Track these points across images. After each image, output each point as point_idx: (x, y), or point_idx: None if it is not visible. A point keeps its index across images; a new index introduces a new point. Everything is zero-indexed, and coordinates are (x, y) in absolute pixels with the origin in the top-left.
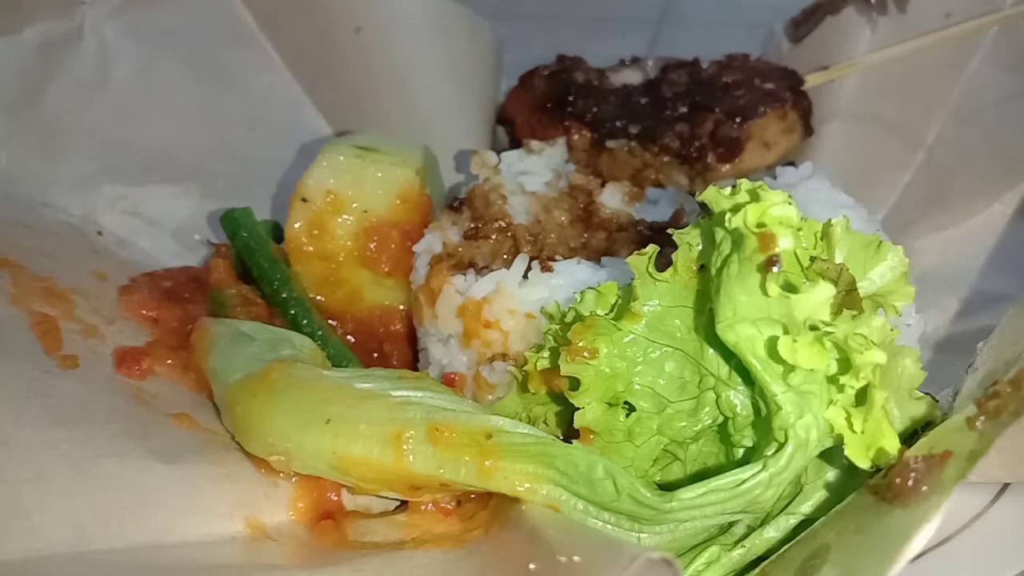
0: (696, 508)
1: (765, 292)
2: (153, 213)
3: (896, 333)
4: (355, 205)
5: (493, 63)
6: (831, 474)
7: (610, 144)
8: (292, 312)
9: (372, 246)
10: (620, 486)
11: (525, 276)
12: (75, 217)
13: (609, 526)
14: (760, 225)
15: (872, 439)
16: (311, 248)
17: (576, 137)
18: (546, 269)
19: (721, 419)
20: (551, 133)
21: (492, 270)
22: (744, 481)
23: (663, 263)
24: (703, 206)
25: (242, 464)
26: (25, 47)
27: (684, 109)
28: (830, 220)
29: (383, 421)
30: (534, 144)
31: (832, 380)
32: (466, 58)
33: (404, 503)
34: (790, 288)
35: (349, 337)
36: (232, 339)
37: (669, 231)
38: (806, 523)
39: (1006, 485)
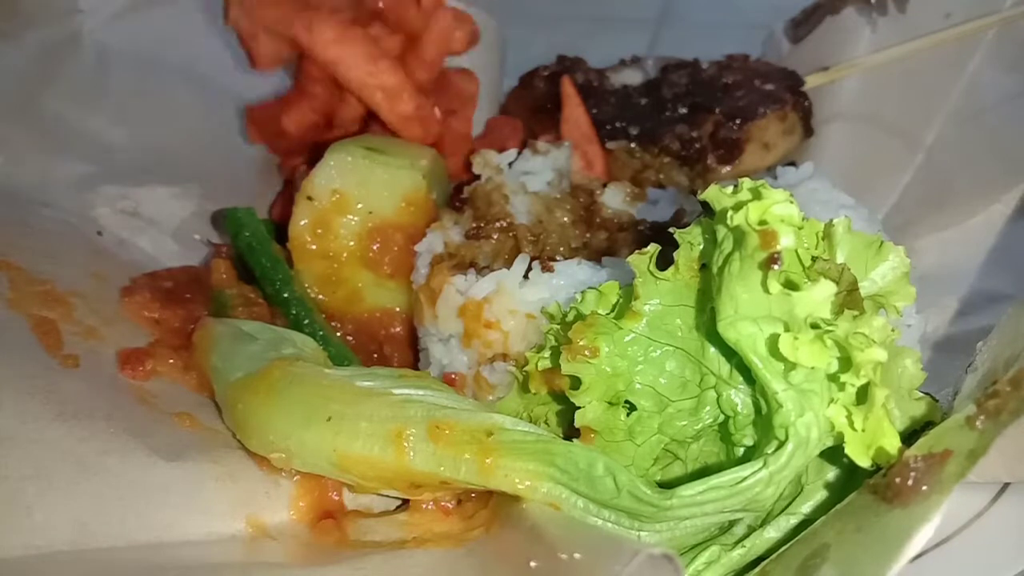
0: (696, 505)
1: (766, 290)
2: (153, 213)
3: (897, 334)
4: (360, 206)
5: (497, 62)
6: (831, 474)
7: (610, 145)
8: (294, 312)
9: (375, 248)
10: (620, 483)
11: (526, 276)
12: (75, 217)
13: (609, 524)
14: (762, 223)
15: (873, 437)
16: (314, 247)
17: None
18: (547, 269)
19: (722, 418)
20: (551, 133)
21: (493, 270)
22: (744, 479)
23: (664, 263)
24: (705, 206)
25: (243, 463)
26: (24, 52)
27: (684, 110)
28: (831, 220)
29: (384, 419)
30: (540, 145)
31: (833, 378)
32: (469, 56)
33: (405, 502)
34: (791, 286)
35: (349, 338)
36: (234, 338)
37: (670, 230)
38: (806, 523)
39: (1006, 485)
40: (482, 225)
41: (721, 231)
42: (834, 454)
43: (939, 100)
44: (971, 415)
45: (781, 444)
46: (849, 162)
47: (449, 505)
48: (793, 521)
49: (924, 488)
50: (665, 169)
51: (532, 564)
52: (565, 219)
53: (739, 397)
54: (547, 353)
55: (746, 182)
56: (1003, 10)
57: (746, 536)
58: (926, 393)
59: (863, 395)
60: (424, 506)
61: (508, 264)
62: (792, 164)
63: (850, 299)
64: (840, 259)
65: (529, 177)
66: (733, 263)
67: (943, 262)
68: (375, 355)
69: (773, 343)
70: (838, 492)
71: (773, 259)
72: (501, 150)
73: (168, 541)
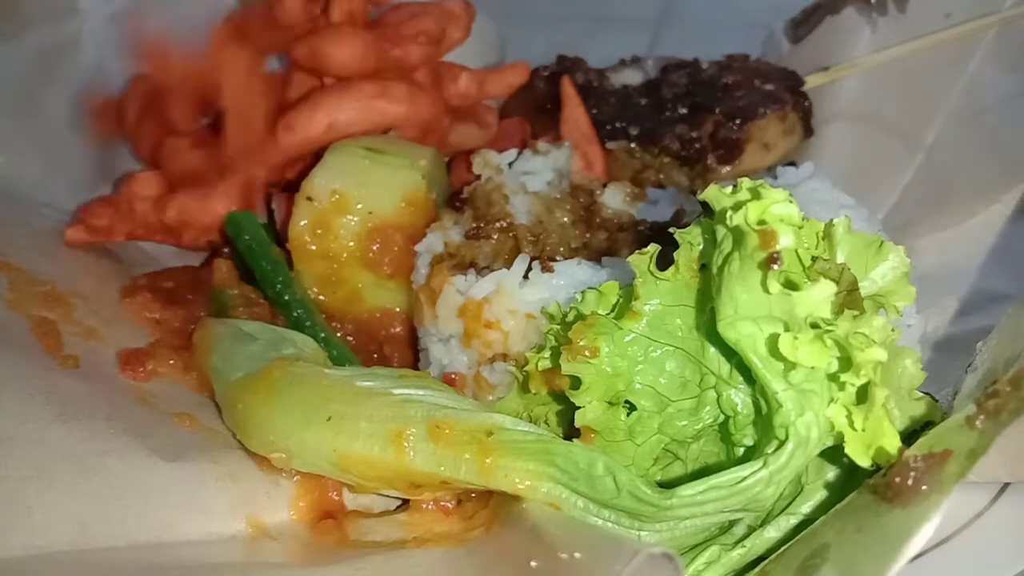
0: (696, 505)
1: (766, 289)
2: None
3: (897, 334)
4: (360, 206)
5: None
6: (831, 474)
7: (610, 145)
8: (295, 314)
9: (375, 248)
10: (620, 483)
11: (526, 276)
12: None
13: (609, 524)
14: (761, 223)
15: (873, 437)
16: (314, 247)
17: None
18: (547, 269)
19: (722, 418)
20: (551, 133)
21: (493, 270)
22: (744, 478)
23: (664, 262)
24: (705, 206)
25: (243, 463)
26: (24, 52)
27: (684, 110)
28: (831, 220)
29: (384, 419)
30: (540, 145)
31: (833, 378)
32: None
33: (405, 502)
34: (791, 286)
35: (349, 339)
36: (234, 338)
37: (670, 230)
38: (806, 523)
39: (1006, 485)
40: (482, 225)
41: (720, 231)
42: (834, 454)
43: (939, 100)
44: (971, 415)
45: (781, 444)
46: (849, 162)
47: (449, 505)
48: (793, 521)
49: (924, 488)
50: (665, 169)
51: (532, 564)
52: (565, 219)
53: (739, 397)
54: (547, 353)
55: (745, 182)
56: (1003, 10)
57: (746, 536)
58: (926, 393)
59: (863, 395)
60: (424, 506)
61: (508, 264)
62: (792, 164)
63: (850, 299)
64: (840, 259)
65: (529, 177)
66: (733, 263)
67: (943, 262)
68: (375, 355)
69: (773, 343)
70: (838, 492)
71: (773, 259)
72: (503, 150)
73: (168, 541)
